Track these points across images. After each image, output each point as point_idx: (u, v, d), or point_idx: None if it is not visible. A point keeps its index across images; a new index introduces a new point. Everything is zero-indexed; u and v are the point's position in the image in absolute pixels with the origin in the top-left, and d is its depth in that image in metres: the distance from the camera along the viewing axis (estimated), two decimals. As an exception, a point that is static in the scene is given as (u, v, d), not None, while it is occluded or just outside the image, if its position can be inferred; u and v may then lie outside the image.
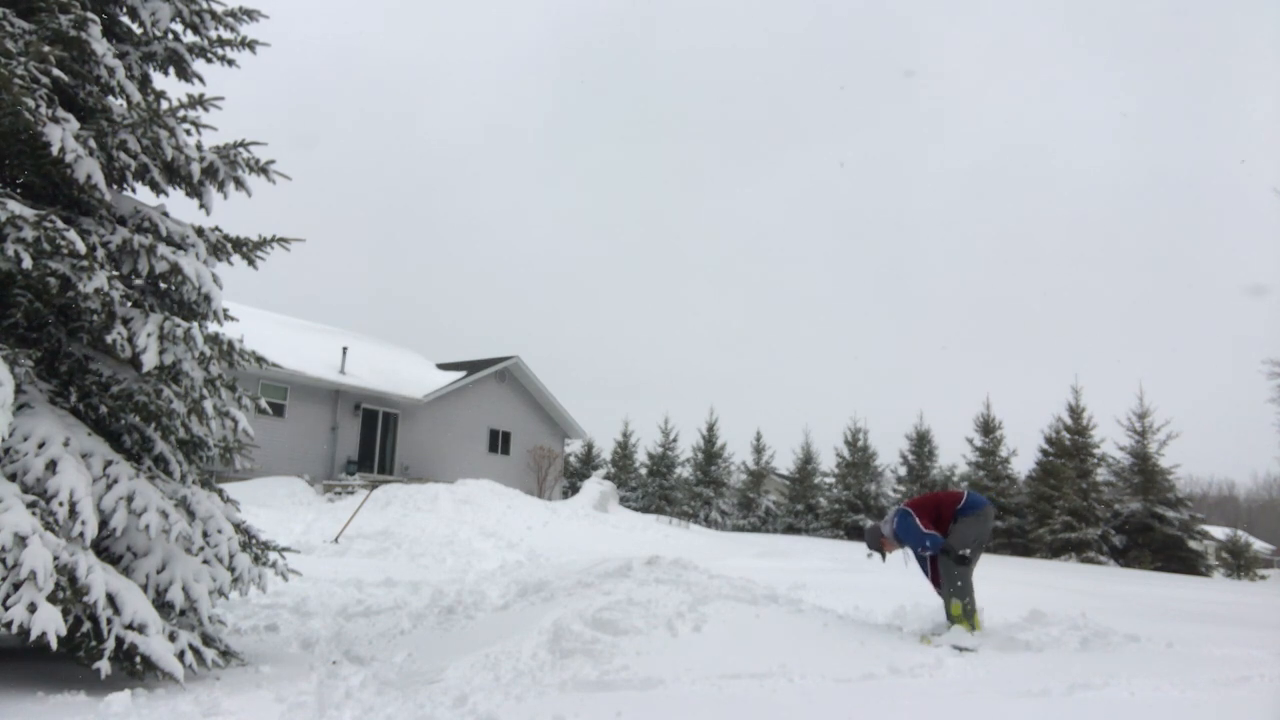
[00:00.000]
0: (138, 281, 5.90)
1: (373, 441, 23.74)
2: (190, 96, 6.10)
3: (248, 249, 6.55)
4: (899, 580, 10.91)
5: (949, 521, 6.80)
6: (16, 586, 4.40)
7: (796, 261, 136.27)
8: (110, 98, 6.01)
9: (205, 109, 6.09)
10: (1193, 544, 26.36)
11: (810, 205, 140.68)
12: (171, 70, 6.59)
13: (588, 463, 39.81)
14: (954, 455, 55.51)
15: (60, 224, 4.97)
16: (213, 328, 6.46)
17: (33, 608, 4.38)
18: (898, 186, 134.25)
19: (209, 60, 6.64)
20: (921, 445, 32.94)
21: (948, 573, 6.70)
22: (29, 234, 4.83)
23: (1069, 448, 28.78)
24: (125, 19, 6.50)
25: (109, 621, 4.79)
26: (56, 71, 5.22)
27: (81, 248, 4.98)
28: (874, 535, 7.23)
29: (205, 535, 5.72)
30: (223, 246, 6.49)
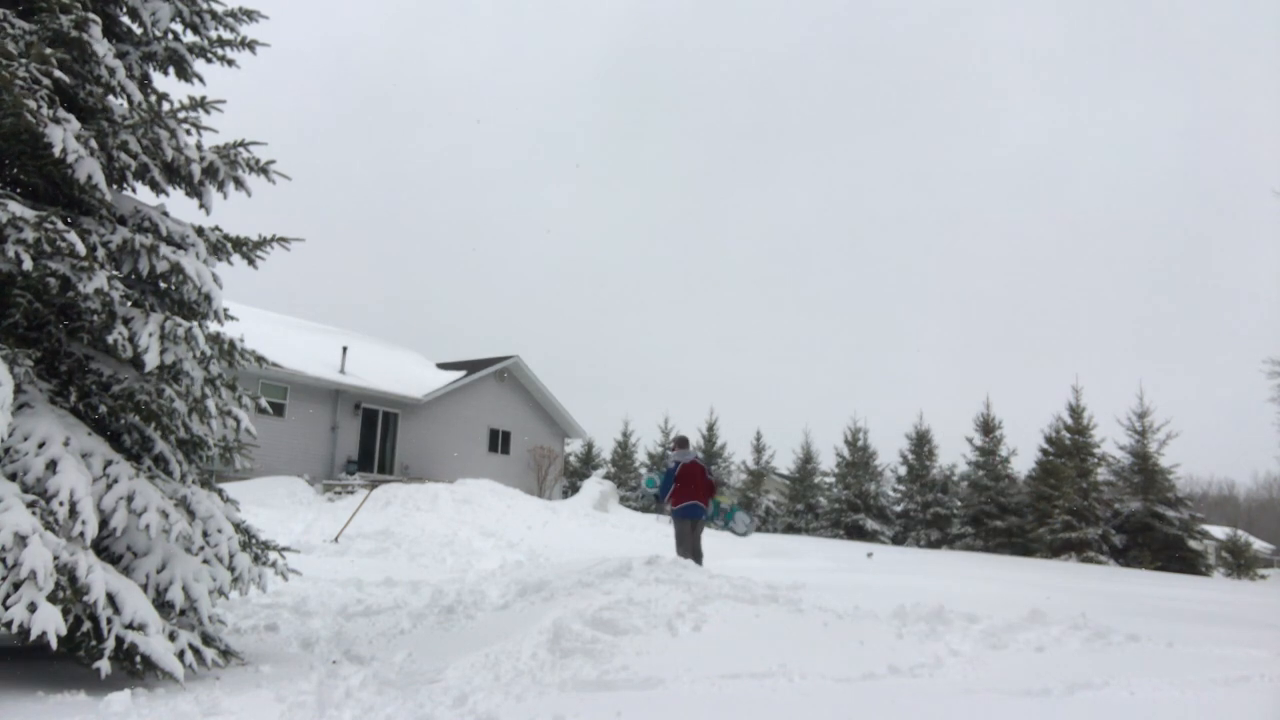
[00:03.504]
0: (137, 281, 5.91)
1: (373, 441, 23.72)
2: (192, 99, 6.11)
3: (248, 248, 6.56)
4: (899, 580, 10.90)
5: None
6: (17, 586, 4.40)
7: (797, 261, 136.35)
8: (111, 98, 6.01)
9: (207, 111, 6.10)
10: (1193, 543, 26.35)
11: (812, 206, 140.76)
12: (172, 70, 6.59)
13: (588, 462, 39.79)
14: (954, 455, 55.62)
15: (60, 224, 4.97)
16: (213, 327, 6.46)
17: (33, 607, 4.38)
18: (899, 187, 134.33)
19: (209, 60, 6.64)
20: (921, 445, 32.93)
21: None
22: (29, 235, 4.84)
23: (1069, 447, 28.77)
24: (125, 19, 6.50)
25: (109, 621, 4.79)
26: (58, 73, 5.23)
27: (82, 248, 4.99)
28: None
29: (205, 535, 5.72)
30: (223, 246, 6.50)
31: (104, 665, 4.72)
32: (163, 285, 6.02)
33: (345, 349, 24.04)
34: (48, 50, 5.11)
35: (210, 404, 5.90)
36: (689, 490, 10.00)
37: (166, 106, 6.28)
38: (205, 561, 5.62)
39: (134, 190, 6.34)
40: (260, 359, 6.61)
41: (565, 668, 5.62)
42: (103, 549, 5.30)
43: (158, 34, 6.43)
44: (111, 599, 4.83)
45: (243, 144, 6.33)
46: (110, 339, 5.26)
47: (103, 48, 5.63)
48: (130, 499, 5.08)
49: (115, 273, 5.37)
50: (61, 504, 4.71)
